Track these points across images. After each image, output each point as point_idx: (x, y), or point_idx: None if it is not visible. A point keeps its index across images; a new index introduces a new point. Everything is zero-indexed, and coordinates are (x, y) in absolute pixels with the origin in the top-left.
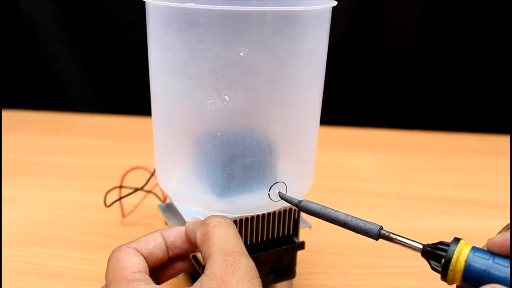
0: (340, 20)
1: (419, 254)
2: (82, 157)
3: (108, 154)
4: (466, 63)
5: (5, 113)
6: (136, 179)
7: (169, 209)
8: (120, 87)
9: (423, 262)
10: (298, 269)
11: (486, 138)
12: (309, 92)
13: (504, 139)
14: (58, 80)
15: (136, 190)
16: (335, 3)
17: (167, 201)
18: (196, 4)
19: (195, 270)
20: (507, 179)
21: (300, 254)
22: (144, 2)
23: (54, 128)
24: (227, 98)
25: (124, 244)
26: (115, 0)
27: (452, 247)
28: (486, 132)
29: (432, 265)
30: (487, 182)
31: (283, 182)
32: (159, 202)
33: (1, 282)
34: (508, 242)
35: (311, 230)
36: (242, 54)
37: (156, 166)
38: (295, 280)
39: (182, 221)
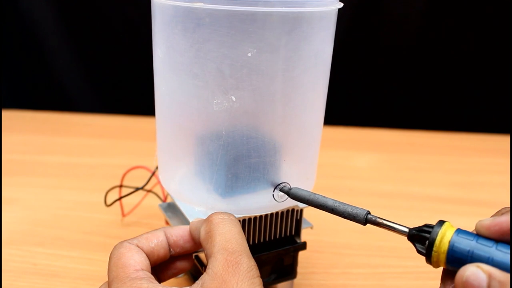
0: (340, 20)
1: (420, 254)
2: (82, 157)
3: (108, 154)
4: (466, 63)
5: (5, 113)
6: (136, 179)
7: (170, 209)
8: (120, 87)
9: (423, 262)
10: (299, 269)
11: (486, 138)
12: (314, 93)
13: (504, 139)
14: (58, 80)
15: (137, 189)
16: (341, 4)
17: (168, 200)
18: (203, 3)
19: (197, 270)
20: (507, 179)
21: (300, 253)
22: (148, 1)
23: (54, 128)
24: (233, 98)
25: (125, 240)
26: (115, 1)
27: (436, 229)
28: (486, 132)
29: (418, 247)
30: (487, 182)
31: (287, 183)
32: (159, 202)
33: (1, 282)
34: (497, 227)
35: (311, 230)
36: (249, 54)
37: (159, 165)
38: (295, 280)
39: (184, 221)
